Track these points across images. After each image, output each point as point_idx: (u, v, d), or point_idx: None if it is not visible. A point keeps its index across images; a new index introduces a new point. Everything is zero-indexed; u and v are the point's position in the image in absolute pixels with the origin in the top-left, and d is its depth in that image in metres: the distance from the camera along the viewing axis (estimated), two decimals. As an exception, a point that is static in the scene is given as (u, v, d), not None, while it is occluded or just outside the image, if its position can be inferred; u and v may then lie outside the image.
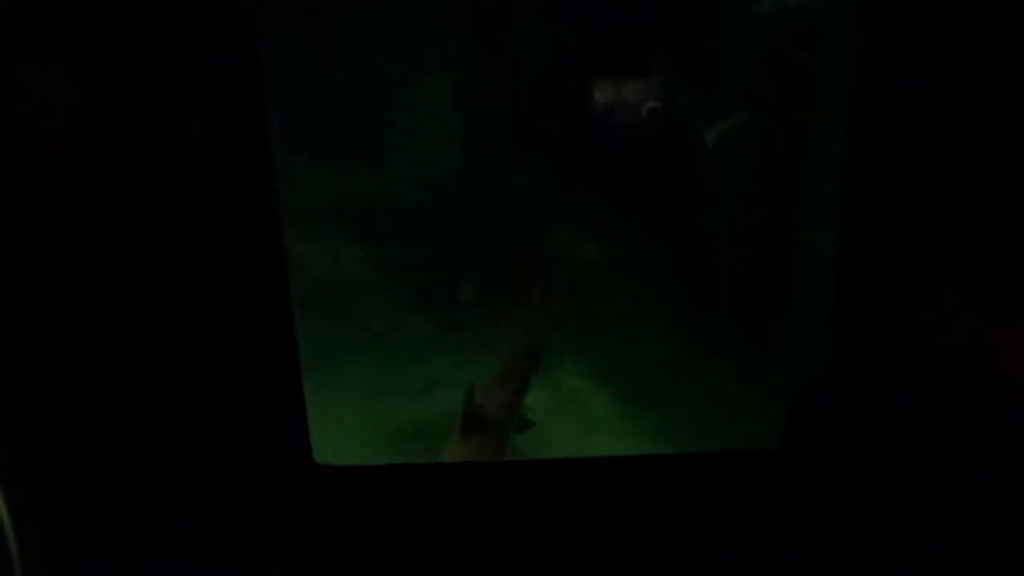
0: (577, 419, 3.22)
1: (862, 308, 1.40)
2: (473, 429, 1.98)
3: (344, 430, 2.81)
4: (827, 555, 1.22)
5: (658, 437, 2.99)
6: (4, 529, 1.18)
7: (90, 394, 1.39)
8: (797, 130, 2.41)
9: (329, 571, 1.54)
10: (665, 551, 1.52)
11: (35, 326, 1.36)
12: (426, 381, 3.29)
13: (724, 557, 1.48)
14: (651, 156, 2.86)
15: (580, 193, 3.31)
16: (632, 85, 2.50)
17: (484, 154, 3.21)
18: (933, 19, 1.32)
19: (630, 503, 1.52)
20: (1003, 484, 1.08)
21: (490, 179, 3.24)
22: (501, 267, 3.45)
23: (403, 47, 2.95)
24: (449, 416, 3.07)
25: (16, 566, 1.20)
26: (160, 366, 1.40)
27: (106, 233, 1.34)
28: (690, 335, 3.17)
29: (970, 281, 1.32)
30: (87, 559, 1.43)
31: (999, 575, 1.07)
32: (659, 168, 2.93)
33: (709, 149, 2.59)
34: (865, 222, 1.42)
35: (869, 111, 1.38)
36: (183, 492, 1.44)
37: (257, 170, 1.37)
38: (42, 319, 1.36)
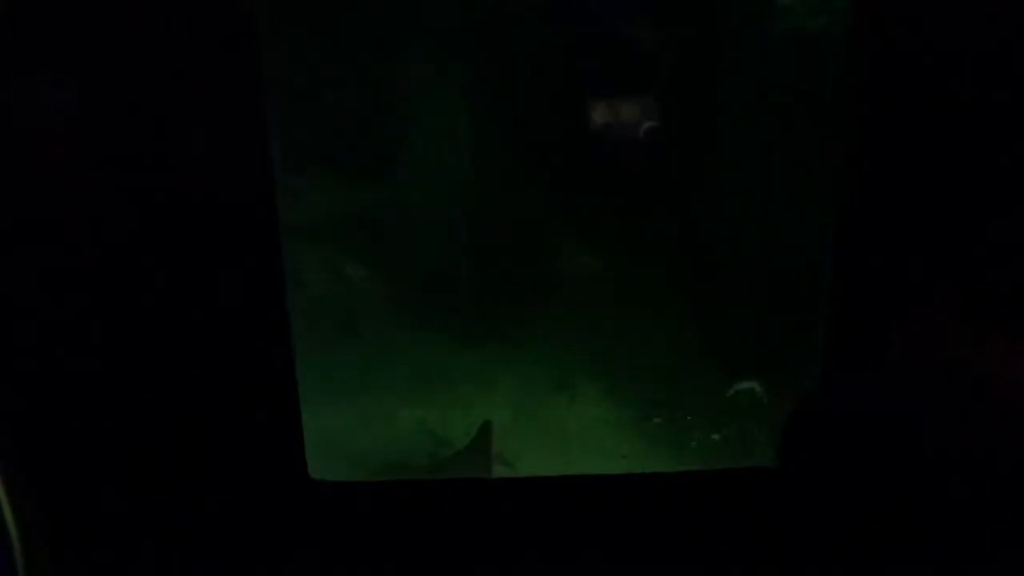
0: (590, 437, 3.20)
1: (856, 322, 1.39)
2: None
3: (343, 446, 2.81)
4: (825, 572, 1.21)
5: (677, 455, 2.96)
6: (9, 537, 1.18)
7: (85, 411, 1.39)
8: (807, 148, 2.41)
9: (324, 588, 1.53)
10: (663, 571, 1.51)
11: (28, 340, 1.37)
12: (432, 399, 3.29)
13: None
14: (656, 173, 2.86)
15: (588, 210, 3.31)
16: (629, 105, 2.50)
17: (490, 169, 3.22)
18: (929, 37, 1.32)
19: (627, 522, 1.51)
20: (1003, 499, 1.07)
21: (495, 195, 3.25)
22: (510, 284, 3.45)
23: (407, 61, 2.97)
24: (453, 433, 3.06)
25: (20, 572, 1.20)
26: (155, 380, 1.40)
27: (100, 249, 1.35)
28: (704, 352, 3.15)
29: (968, 294, 1.31)
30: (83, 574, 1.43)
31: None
32: (665, 185, 2.93)
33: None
34: (860, 234, 1.41)
35: (864, 125, 1.38)
36: (176, 507, 1.44)
37: (256, 185, 1.38)
38: (35, 332, 1.37)
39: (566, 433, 3.08)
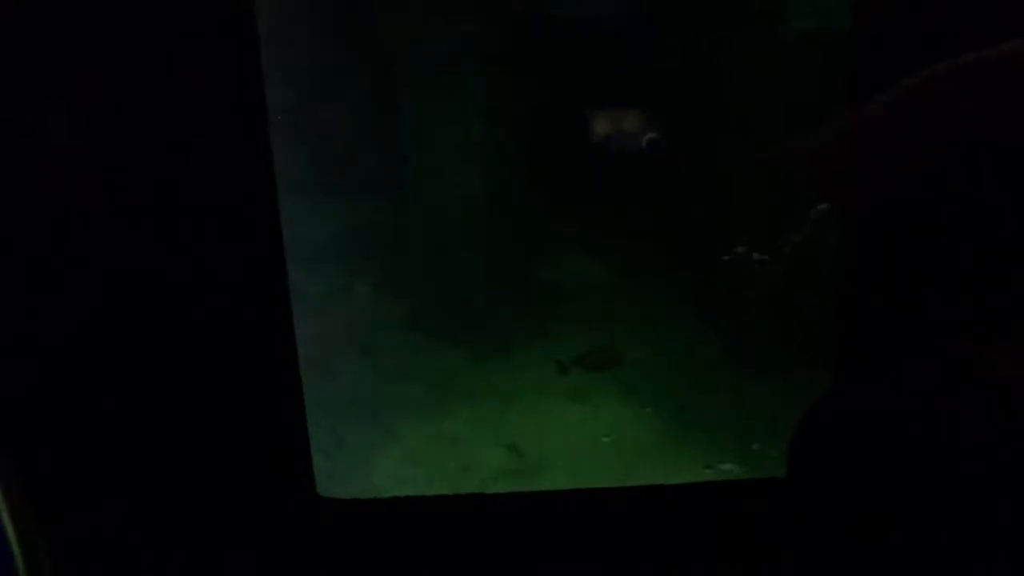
0: (623, 445, 3.19)
1: (865, 331, 1.38)
2: None
3: (354, 464, 2.81)
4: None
5: (699, 454, 2.96)
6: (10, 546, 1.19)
7: (95, 428, 1.41)
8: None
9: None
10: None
11: (35, 366, 1.39)
12: (449, 412, 3.29)
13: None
14: (663, 179, 2.85)
15: (598, 219, 3.31)
16: (632, 116, 2.50)
17: (500, 184, 3.22)
18: (928, 40, 1.31)
19: (635, 534, 1.50)
20: (1009, 509, 1.05)
21: (506, 208, 3.25)
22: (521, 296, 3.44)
23: (412, 79, 2.98)
24: (467, 444, 3.06)
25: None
26: (165, 399, 1.42)
27: (108, 272, 1.37)
28: (721, 354, 3.14)
29: (977, 303, 1.29)
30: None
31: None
32: (672, 190, 2.92)
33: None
34: (869, 242, 1.40)
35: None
36: (185, 523, 1.45)
37: (261, 207, 1.39)
38: (47, 347, 1.39)
39: (586, 440, 3.08)
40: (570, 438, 3.13)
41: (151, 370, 1.41)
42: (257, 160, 1.37)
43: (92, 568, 1.42)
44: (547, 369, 3.44)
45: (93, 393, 1.39)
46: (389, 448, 3.07)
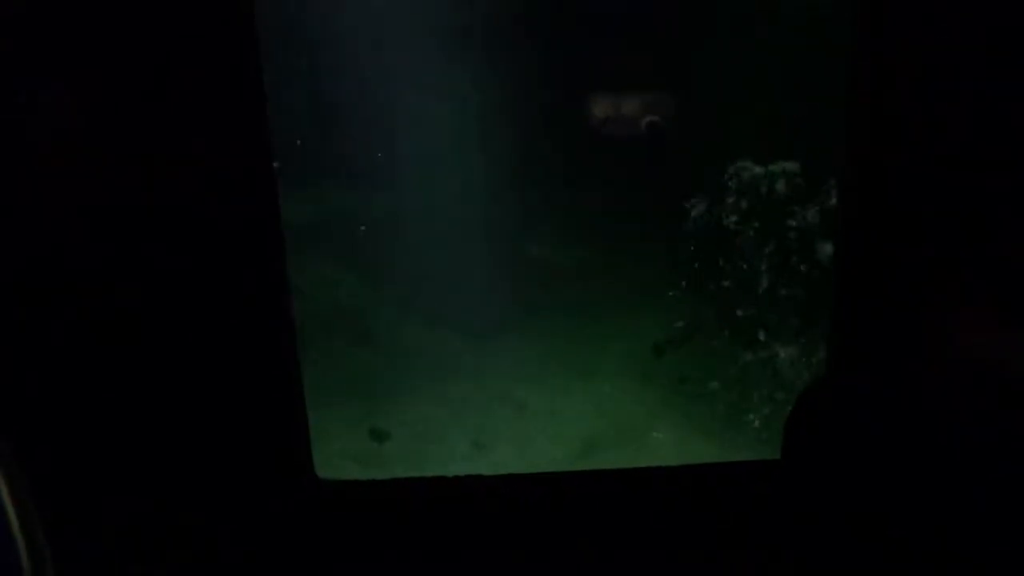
0: (616, 418, 3.23)
1: (861, 316, 1.38)
2: None
3: (353, 445, 2.83)
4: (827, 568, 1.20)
5: (725, 439, 3.01)
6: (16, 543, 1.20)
7: (94, 414, 1.42)
8: (814, 132, 2.40)
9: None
10: (665, 565, 1.51)
11: (39, 356, 1.39)
12: (451, 394, 3.31)
13: (724, 570, 1.47)
14: (665, 162, 2.85)
15: (596, 202, 3.31)
16: (630, 100, 2.48)
17: (497, 168, 3.22)
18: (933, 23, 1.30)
19: (630, 516, 1.51)
20: (1004, 492, 1.05)
21: (499, 192, 3.25)
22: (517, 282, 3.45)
23: (409, 67, 2.96)
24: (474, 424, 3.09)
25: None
26: (164, 383, 1.43)
27: (110, 258, 1.37)
28: (722, 330, 3.17)
29: (974, 289, 1.29)
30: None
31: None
32: (674, 172, 2.91)
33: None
34: (866, 228, 1.40)
35: (869, 112, 1.36)
36: (184, 506, 1.46)
37: (260, 192, 1.39)
38: (51, 338, 1.39)
39: (592, 412, 3.11)
40: (576, 412, 3.17)
41: (155, 359, 1.42)
42: (257, 153, 1.37)
43: (97, 547, 1.43)
44: (546, 346, 3.47)
45: (99, 383, 1.40)
46: (396, 429, 3.10)
